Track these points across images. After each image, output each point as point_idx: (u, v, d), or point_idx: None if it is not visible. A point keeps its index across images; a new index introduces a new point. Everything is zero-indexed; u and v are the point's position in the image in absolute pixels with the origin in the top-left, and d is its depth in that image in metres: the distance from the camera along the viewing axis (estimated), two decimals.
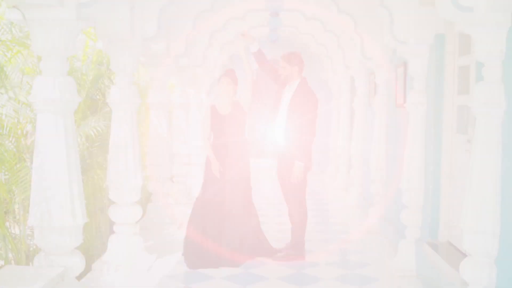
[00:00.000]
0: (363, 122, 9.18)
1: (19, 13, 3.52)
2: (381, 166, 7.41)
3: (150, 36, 5.49)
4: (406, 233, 5.64)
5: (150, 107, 7.34)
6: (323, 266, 5.81)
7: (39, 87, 3.66)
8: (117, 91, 5.47)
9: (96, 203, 6.70)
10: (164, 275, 5.44)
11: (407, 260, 5.54)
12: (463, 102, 4.92)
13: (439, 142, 5.23)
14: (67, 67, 3.77)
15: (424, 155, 5.42)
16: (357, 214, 8.76)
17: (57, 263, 3.77)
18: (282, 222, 7.87)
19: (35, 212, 3.72)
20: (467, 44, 4.89)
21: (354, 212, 8.92)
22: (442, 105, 5.20)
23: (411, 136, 5.50)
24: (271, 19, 9.07)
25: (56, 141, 3.70)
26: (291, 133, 5.78)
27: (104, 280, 5.21)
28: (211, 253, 5.70)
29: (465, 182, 3.84)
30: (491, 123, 3.61)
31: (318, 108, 5.84)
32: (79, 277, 5.17)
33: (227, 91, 5.90)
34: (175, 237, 7.00)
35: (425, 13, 5.14)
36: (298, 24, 10.03)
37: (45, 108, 3.67)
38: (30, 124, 5.96)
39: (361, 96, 9.18)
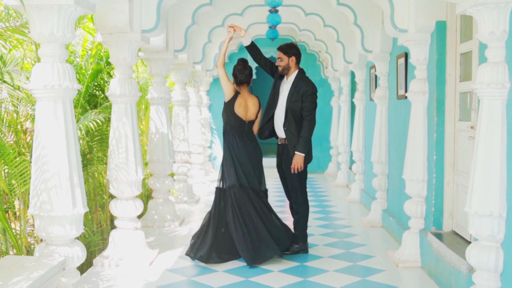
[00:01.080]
0: (364, 116, 9.14)
1: None
2: (383, 159, 7.36)
3: (149, 28, 5.47)
4: (410, 224, 5.60)
5: (150, 102, 7.30)
6: (327, 259, 5.76)
7: (38, 73, 3.62)
8: (117, 84, 5.45)
9: (97, 200, 6.64)
10: (166, 269, 5.38)
11: (411, 251, 5.50)
12: (465, 89, 4.88)
13: (441, 130, 5.18)
14: (66, 54, 3.73)
15: (426, 144, 5.38)
16: (360, 209, 8.72)
17: (57, 253, 3.71)
18: (284, 218, 7.82)
19: (35, 201, 3.67)
20: (468, 30, 4.86)
21: (356, 207, 8.88)
22: (444, 93, 5.15)
23: (413, 125, 5.47)
24: (270, 15, 9.00)
25: (56, 128, 3.65)
26: (291, 124, 5.73)
27: (106, 275, 5.16)
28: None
29: (471, 165, 3.80)
30: (495, 104, 3.56)
31: (317, 98, 5.78)
32: (80, 272, 5.14)
33: None
34: (177, 233, 6.97)
35: (425, 1, 5.11)
36: (297, 20, 9.99)
37: (44, 95, 3.62)
38: (30, 122, 5.92)
39: (362, 90, 9.16)
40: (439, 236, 5.08)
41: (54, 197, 3.63)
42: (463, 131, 4.95)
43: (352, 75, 10.74)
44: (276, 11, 9.02)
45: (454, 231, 5.16)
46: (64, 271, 3.72)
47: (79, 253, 3.81)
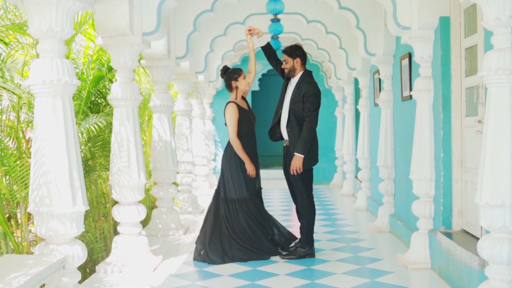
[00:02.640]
0: (369, 122, 9.06)
1: None
2: (389, 163, 7.26)
3: (150, 31, 5.43)
4: (418, 224, 5.48)
5: (152, 110, 7.24)
6: (334, 262, 5.63)
7: (37, 69, 3.57)
8: (118, 88, 5.40)
9: (99, 208, 6.55)
10: (171, 274, 5.27)
11: (421, 252, 5.37)
12: (471, 84, 4.80)
13: (448, 127, 5.09)
14: (65, 50, 3.68)
15: (433, 142, 5.29)
16: (367, 216, 8.59)
17: (58, 251, 3.62)
18: (290, 226, 7.71)
19: (34, 197, 3.59)
20: (472, 24, 4.80)
21: (363, 215, 8.75)
22: (450, 89, 5.07)
23: (419, 124, 5.38)
24: (272, 25, 8.98)
25: (55, 124, 3.59)
26: (293, 125, 5.66)
27: (108, 281, 5.05)
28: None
29: (480, 157, 3.70)
30: (503, 91, 3.48)
31: (320, 98, 5.71)
32: (82, 278, 5.04)
33: (247, 86, 5.95)
34: (181, 241, 6.86)
35: None
36: (299, 29, 9.98)
37: (43, 90, 3.57)
38: (31, 129, 5.87)
39: (366, 97, 9.09)
40: (448, 235, 4.96)
41: (54, 191, 3.55)
42: (470, 127, 4.85)
43: (356, 82, 10.69)
44: (278, 20, 9.01)
45: (464, 230, 5.03)
46: (64, 271, 3.62)
47: (80, 252, 3.72)
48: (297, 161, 5.58)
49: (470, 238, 4.76)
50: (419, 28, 5.19)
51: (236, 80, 5.86)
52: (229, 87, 5.90)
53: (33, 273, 3.05)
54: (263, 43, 5.97)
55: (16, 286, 2.79)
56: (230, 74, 5.87)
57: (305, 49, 12.64)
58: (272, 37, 10.18)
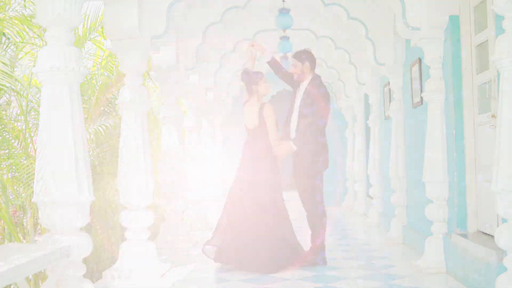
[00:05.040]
0: (380, 136, 8.97)
1: None
2: (401, 173, 7.14)
3: (158, 34, 5.44)
4: (432, 229, 5.33)
5: (161, 122, 7.21)
6: (347, 269, 5.48)
7: (44, 56, 3.56)
8: (127, 92, 5.37)
9: (108, 219, 6.47)
10: (178, 280, 5.14)
11: (435, 257, 5.21)
12: (483, 80, 4.73)
13: (460, 126, 5.00)
14: (72, 38, 3.68)
15: (445, 143, 5.19)
16: (379, 231, 8.42)
17: (62, 242, 3.53)
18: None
19: (39, 186, 3.52)
20: (483, 21, 4.75)
21: (375, 230, 8.58)
22: (461, 88, 5.00)
23: (431, 125, 5.29)
24: (281, 43, 9.02)
25: (62, 112, 3.55)
26: (303, 129, 5.59)
27: (115, 286, 4.93)
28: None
29: (495, 141, 3.61)
30: None
31: (330, 102, 5.66)
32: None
33: (268, 89, 5.92)
34: (190, 252, 6.73)
35: None
36: (308, 47, 9.99)
37: (50, 78, 3.54)
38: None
39: (376, 111, 9.02)
40: (464, 236, 4.81)
41: (59, 179, 3.48)
42: (483, 124, 4.75)
43: (366, 99, 10.64)
44: (287, 38, 9.04)
45: (480, 231, 4.88)
46: (69, 262, 3.52)
47: (85, 243, 3.62)
48: (287, 147, 5.53)
49: (486, 237, 4.61)
50: (428, 28, 5.15)
51: (256, 84, 5.80)
52: (249, 90, 5.83)
53: (35, 256, 2.96)
54: (268, 59, 5.87)
55: (17, 264, 2.71)
56: (251, 78, 5.80)
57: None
58: (282, 58, 10.21)
